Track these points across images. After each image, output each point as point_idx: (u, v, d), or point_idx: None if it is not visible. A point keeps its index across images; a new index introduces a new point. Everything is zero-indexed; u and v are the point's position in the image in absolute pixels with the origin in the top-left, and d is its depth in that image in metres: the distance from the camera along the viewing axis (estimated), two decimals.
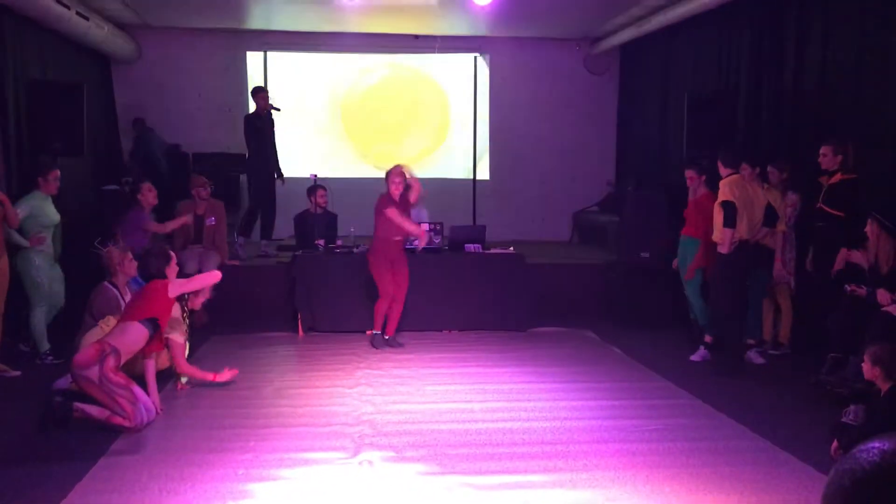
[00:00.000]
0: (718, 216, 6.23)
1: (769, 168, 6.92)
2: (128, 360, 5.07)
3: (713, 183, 6.73)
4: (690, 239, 7.06)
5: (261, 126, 9.18)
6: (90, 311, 6.00)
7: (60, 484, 3.98)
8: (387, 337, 7.25)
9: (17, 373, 6.19)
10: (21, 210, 6.38)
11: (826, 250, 6.18)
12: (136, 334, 5.03)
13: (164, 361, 5.84)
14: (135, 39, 10.95)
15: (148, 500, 3.84)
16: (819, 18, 7.26)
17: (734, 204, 6.14)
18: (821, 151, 6.22)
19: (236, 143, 9.32)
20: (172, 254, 5.54)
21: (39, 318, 6.50)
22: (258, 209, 9.37)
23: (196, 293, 5.82)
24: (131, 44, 10.85)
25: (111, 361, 4.82)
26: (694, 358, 6.74)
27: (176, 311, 5.60)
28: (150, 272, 5.32)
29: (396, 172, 7.07)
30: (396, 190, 7.01)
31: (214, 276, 5.62)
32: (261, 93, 9.38)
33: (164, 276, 5.31)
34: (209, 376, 5.82)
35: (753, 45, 8.22)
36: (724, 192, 6.19)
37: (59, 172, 6.68)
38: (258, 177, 9.36)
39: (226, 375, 5.87)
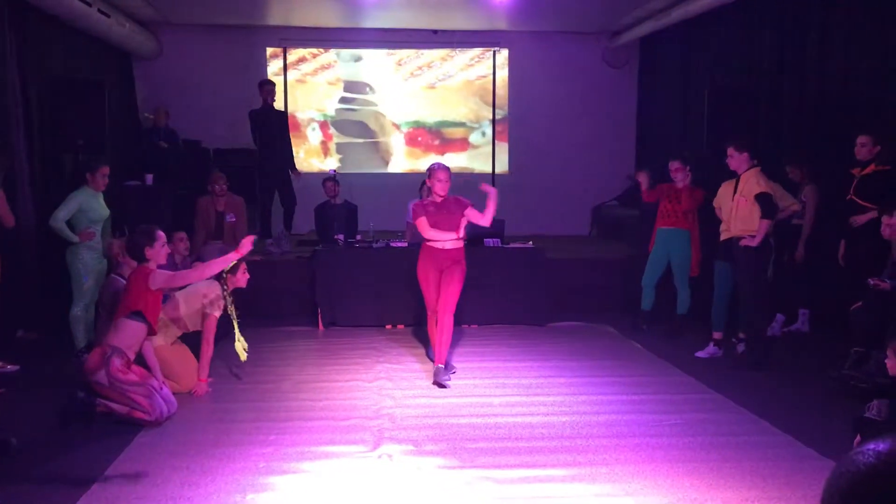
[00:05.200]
0: (748, 209, 6.14)
1: (789, 168, 6.90)
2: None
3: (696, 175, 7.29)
4: (683, 231, 7.25)
5: (263, 120, 9.17)
6: (102, 305, 6.05)
7: (83, 477, 4.02)
8: (437, 366, 5.94)
9: (16, 367, 6.13)
10: (68, 207, 6.44)
11: (858, 243, 6.09)
12: (131, 330, 4.94)
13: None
14: (155, 36, 11.03)
15: (169, 492, 3.87)
16: (842, 9, 7.17)
17: (772, 196, 6.11)
18: (859, 141, 6.07)
19: None
20: (160, 234, 5.14)
21: (77, 315, 6.53)
22: (269, 205, 9.43)
23: (235, 274, 5.62)
24: (152, 41, 10.92)
25: (115, 362, 4.83)
26: (701, 354, 6.70)
27: (216, 289, 5.57)
28: (134, 252, 5.09)
29: (441, 168, 6.05)
30: (443, 189, 5.98)
31: (204, 272, 5.29)
32: (265, 87, 9.37)
33: (144, 257, 5.05)
34: (202, 377, 5.63)
35: (775, 38, 8.13)
36: (761, 184, 6.12)
37: (108, 169, 6.71)
38: (263, 171, 9.41)
39: (202, 389, 5.63)
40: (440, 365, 5.90)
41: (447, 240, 5.98)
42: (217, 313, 5.64)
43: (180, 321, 5.66)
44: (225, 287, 5.68)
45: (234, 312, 5.73)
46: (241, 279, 5.78)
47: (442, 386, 5.74)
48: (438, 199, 6.04)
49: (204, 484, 3.97)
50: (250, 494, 3.86)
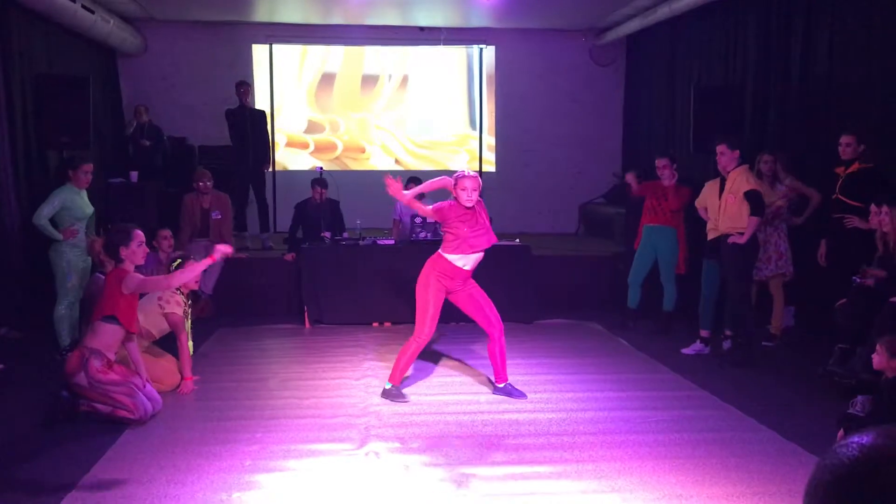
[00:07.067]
0: (737, 207, 6.17)
1: (764, 157, 6.91)
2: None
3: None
4: (670, 229, 7.27)
5: (236, 121, 9.31)
6: (87, 303, 6.02)
7: (69, 476, 4.00)
8: (390, 385, 5.46)
9: (0, 366, 6.06)
10: (51, 204, 6.37)
11: (844, 242, 6.12)
12: (107, 333, 4.87)
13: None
14: (140, 32, 10.95)
15: (155, 491, 3.85)
16: (827, 9, 7.21)
17: (761, 193, 6.15)
18: (843, 141, 6.05)
19: None
20: (137, 234, 4.96)
21: (61, 314, 6.46)
22: (244, 202, 9.53)
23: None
24: (137, 37, 10.84)
25: (94, 364, 4.78)
26: (687, 351, 6.72)
27: (168, 289, 5.54)
28: (110, 251, 5.00)
29: (472, 178, 5.17)
30: (469, 201, 5.14)
31: (173, 279, 5.20)
32: (240, 87, 9.50)
33: (119, 257, 4.93)
34: (185, 372, 5.60)
35: (760, 35, 8.17)
36: (750, 181, 6.16)
37: (91, 166, 6.65)
38: (237, 170, 9.53)
39: (188, 387, 5.60)
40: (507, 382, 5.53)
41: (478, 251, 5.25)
42: (178, 310, 5.58)
43: (144, 331, 5.53)
44: (180, 289, 5.65)
45: (188, 313, 5.76)
46: (188, 285, 5.70)
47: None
48: (466, 208, 5.22)
49: (190, 482, 3.95)
50: (236, 493, 3.84)
